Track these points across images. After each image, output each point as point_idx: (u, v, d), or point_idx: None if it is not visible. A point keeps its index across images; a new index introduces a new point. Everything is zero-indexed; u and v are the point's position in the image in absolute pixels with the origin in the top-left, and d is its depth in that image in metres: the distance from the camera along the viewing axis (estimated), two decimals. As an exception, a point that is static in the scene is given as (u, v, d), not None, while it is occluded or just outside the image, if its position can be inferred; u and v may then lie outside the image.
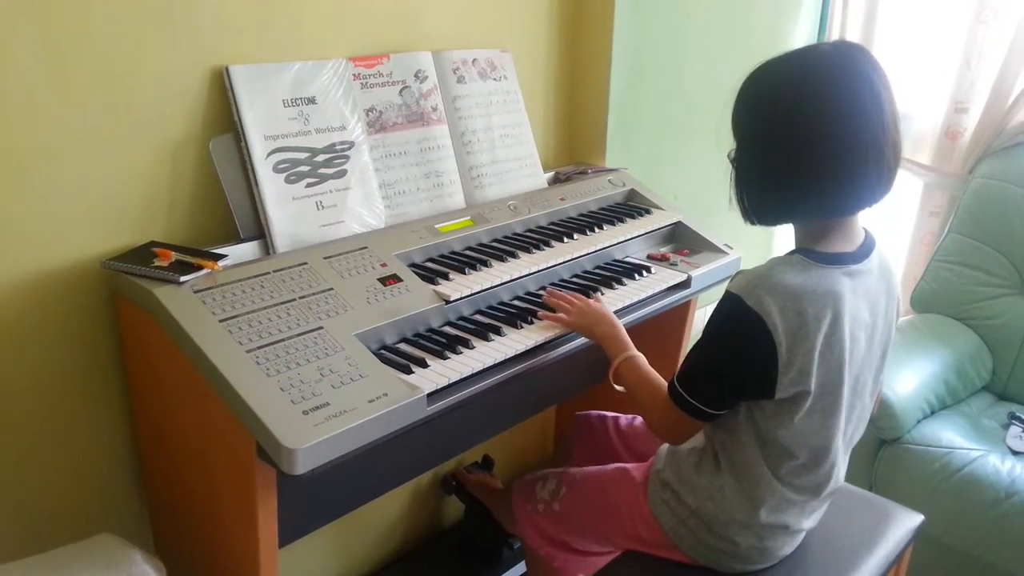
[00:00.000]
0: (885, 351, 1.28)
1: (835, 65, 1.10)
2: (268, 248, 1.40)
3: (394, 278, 1.38)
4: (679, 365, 1.23)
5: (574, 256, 1.62)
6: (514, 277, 1.50)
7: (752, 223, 1.22)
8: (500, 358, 1.31)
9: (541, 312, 1.41)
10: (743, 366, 1.15)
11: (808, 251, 1.17)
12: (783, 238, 2.73)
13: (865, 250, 1.20)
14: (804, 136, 1.10)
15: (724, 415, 1.23)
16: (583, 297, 1.45)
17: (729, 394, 1.19)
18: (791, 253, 1.18)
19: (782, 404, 1.17)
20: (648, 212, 1.88)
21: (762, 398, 1.17)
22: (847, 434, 1.26)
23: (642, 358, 1.33)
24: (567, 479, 1.51)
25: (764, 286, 1.12)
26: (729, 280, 1.18)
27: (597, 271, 1.68)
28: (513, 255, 1.57)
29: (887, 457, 2.03)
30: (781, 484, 1.23)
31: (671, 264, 1.73)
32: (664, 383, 1.27)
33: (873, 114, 1.09)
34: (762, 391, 1.16)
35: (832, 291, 1.14)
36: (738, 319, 1.13)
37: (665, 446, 1.37)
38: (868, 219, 1.24)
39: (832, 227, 1.18)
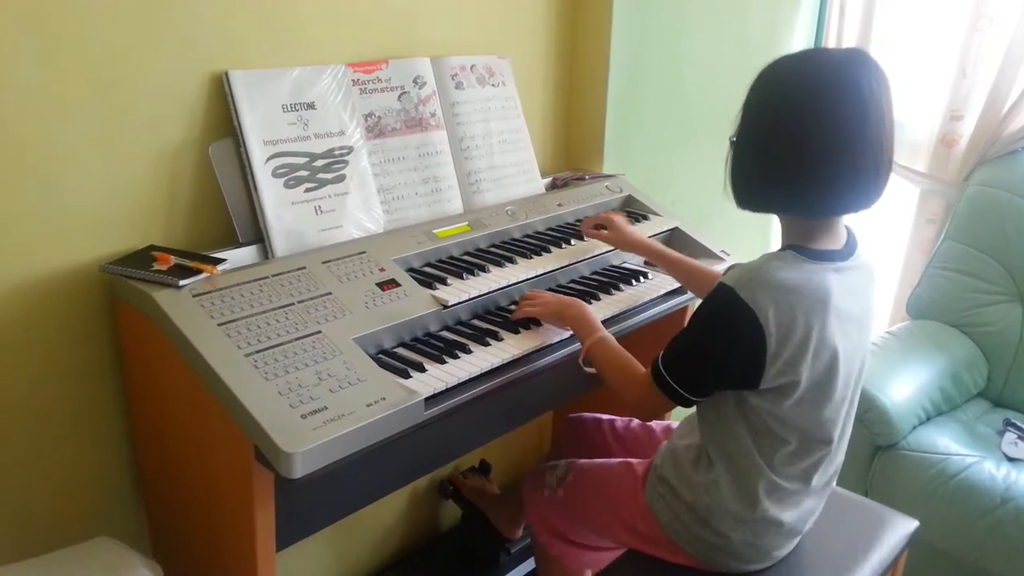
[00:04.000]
0: (868, 342, 1.31)
1: (845, 73, 1.12)
2: (267, 252, 1.41)
3: (392, 283, 1.39)
4: (664, 347, 1.25)
5: (571, 262, 1.63)
6: (512, 282, 1.51)
7: (742, 207, 1.24)
8: (498, 363, 1.31)
9: (514, 314, 1.43)
10: (731, 357, 1.17)
11: (799, 248, 1.19)
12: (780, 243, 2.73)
13: (851, 247, 1.24)
14: (801, 134, 1.12)
15: (712, 409, 1.25)
16: (545, 292, 1.49)
17: (712, 382, 1.22)
18: (783, 249, 1.21)
19: (766, 393, 1.19)
20: (645, 218, 1.88)
21: (745, 388, 1.20)
22: (843, 423, 1.28)
23: (611, 338, 1.36)
24: (575, 467, 1.53)
25: (758, 280, 1.15)
26: (723, 273, 1.20)
27: (594, 277, 1.68)
28: (511, 260, 1.57)
29: (882, 463, 2.03)
30: (774, 473, 1.25)
31: (668, 270, 1.74)
32: (634, 360, 1.30)
33: (873, 127, 1.12)
34: (746, 381, 1.19)
35: (823, 287, 1.17)
36: (730, 311, 1.15)
37: (665, 444, 1.39)
38: (864, 226, 1.26)
39: (818, 227, 1.21)
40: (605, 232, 1.66)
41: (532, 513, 1.59)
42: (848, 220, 1.25)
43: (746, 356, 1.16)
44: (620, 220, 1.69)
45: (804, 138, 1.12)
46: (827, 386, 1.21)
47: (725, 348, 1.17)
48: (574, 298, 1.45)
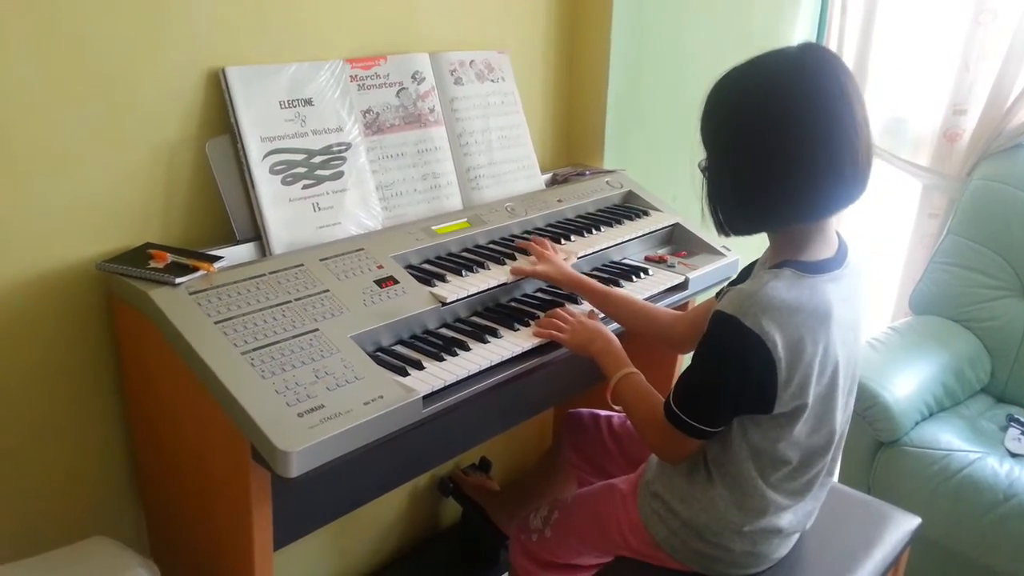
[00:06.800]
0: (861, 343, 1.29)
1: (804, 68, 1.09)
2: (264, 250, 1.40)
3: (391, 280, 1.38)
4: (673, 385, 1.21)
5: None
6: (511, 279, 1.50)
7: (726, 235, 1.19)
8: (496, 360, 1.30)
9: (535, 330, 1.40)
10: (743, 386, 1.13)
11: (797, 263, 1.15)
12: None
13: (843, 253, 1.20)
14: (776, 142, 1.08)
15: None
16: (577, 314, 1.44)
17: (727, 412, 1.18)
18: (780, 266, 1.16)
19: (779, 419, 1.17)
20: (646, 214, 1.87)
21: (759, 413, 1.17)
22: (841, 426, 1.26)
23: (639, 375, 1.31)
24: (558, 504, 1.49)
25: (760, 305, 1.10)
26: (718, 298, 1.16)
27: (594, 273, 1.67)
28: (510, 257, 1.56)
29: (885, 459, 2.02)
30: (774, 491, 1.23)
31: (668, 266, 1.73)
32: (661, 400, 1.25)
33: (845, 116, 1.07)
34: (761, 407, 1.16)
35: (824, 302, 1.13)
36: (737, 340, 1.11)
37: (655, 457, 1.36)
38: (866, 221, 1.24)
39: (811, 235, 1.16)
40: (540, 267, 1.50)
41: (520, 560, 1.52)
42: (846, 219, 1.22)
43: (758, 383, 1.12)
44: (552, 253, 1.55)
45: (779, 145, 1.08)
46: (830, 399, 1.19)
47: (736, 379, 1.13)
48: (599, 328, 1.39)
